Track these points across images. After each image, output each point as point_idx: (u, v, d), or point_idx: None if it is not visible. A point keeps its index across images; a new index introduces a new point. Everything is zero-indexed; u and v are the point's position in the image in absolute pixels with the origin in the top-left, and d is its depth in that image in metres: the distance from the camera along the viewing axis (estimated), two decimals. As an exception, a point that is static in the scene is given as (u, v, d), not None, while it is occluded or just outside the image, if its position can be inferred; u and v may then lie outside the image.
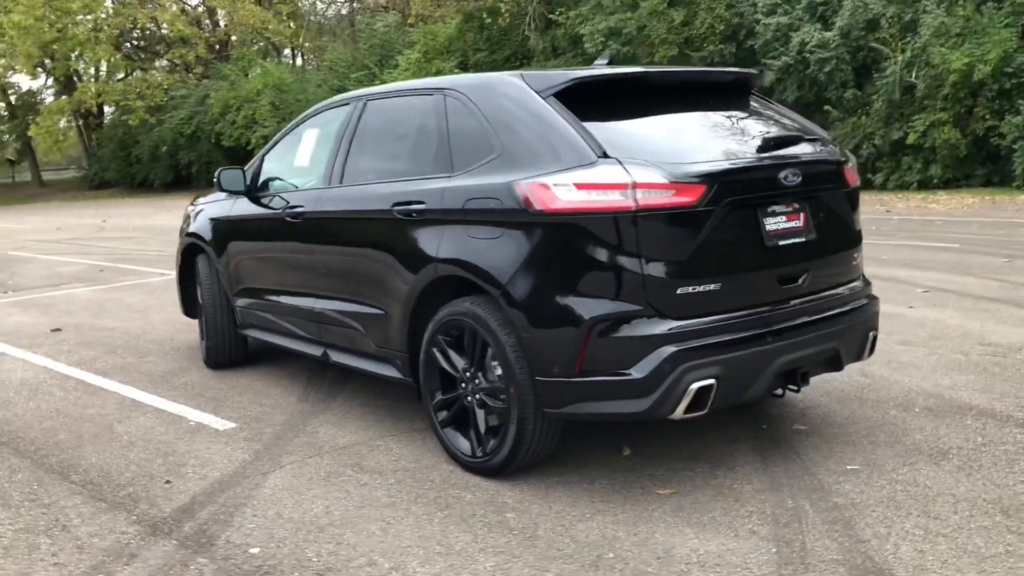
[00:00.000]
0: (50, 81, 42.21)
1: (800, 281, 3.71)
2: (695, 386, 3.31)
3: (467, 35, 26.50)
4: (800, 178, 3.66)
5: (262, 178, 5.35)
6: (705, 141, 3.81)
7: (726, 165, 3.57)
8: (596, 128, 3.53)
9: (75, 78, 39.45)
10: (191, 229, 5.95)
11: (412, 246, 4.00)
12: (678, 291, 3.37)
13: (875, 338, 4.06)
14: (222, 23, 40.35)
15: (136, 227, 19.22)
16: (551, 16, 23.39)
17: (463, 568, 3.04)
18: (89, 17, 35.47)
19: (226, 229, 5.59)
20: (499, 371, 3.62)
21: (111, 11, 36.90)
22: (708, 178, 3.40)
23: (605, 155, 3.39)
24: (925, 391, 4.69)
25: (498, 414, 3.69)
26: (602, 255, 3.37)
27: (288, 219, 4.87)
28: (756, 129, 4.02)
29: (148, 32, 41.78)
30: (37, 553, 3.28)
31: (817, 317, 3.75)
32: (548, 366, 3.46)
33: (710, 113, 4.02)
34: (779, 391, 3.86)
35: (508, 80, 3.89)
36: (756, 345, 3.48)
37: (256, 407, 4.97)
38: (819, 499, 3.46)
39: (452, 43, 26.67)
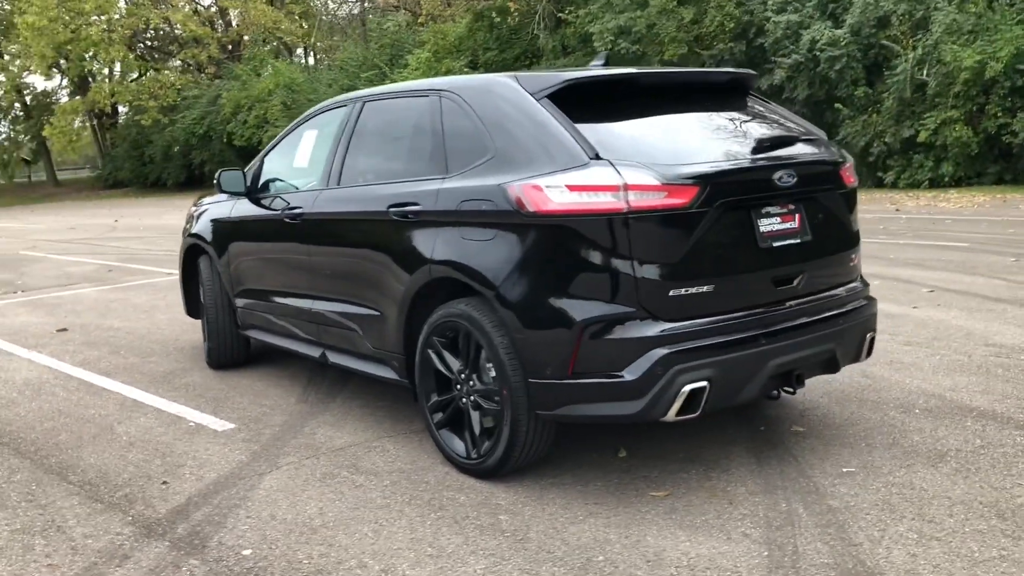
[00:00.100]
0: (64, 82, 42.62)
1: (795, 283, 3.68)
2: (687, 388, 3.30)
3: (477, 34, 26.56)
4: (795, 179, 3.64)
5: (262, 179, 5.36)
6: (699, 142, 3.79)
7: (719, 166, 3.54)
8: (589, 129, 3.52)
9: (89, 78, 39.75)
10: (193, 230, 5.97)
11: (407, 247, 4.00)
12: (671, 293, 3.35)
13: (873, 340, 4.03)
14: (234, 23, 40.58)
15: (147, 227, 19.36)
16: (561, 15, 23.40)
17: (453, 571, 3.04)
18: (102, 18, 35.75)
19: (227, 230, 5.61)
20: (493, 373, 3.62)
21: (124, 12, 37.19)
22: (701, 179, 3.38)
23: (597, 156, 3.38)
24: (926, 392, 4.65)
25: (492, 416, 3.68)
26: (594, 257, 3.36)
27: (287, 220, 4.88)
28: (751, 130, 3.99)
29: (161, 32, 42.12)
30: (31, 554, 3.31)
31: (813, 319, 3.72)
32: (541, 368, 3.45)
33: (705, 114, 4.00)
34: (774, 393, 3.84)
35: (502, 81, 3.89)
36: (749, 347, 3.46)
37: (256, 408, 4.99)
38: (813, 502, 3.44)
39: (462, 42, 26.73)
